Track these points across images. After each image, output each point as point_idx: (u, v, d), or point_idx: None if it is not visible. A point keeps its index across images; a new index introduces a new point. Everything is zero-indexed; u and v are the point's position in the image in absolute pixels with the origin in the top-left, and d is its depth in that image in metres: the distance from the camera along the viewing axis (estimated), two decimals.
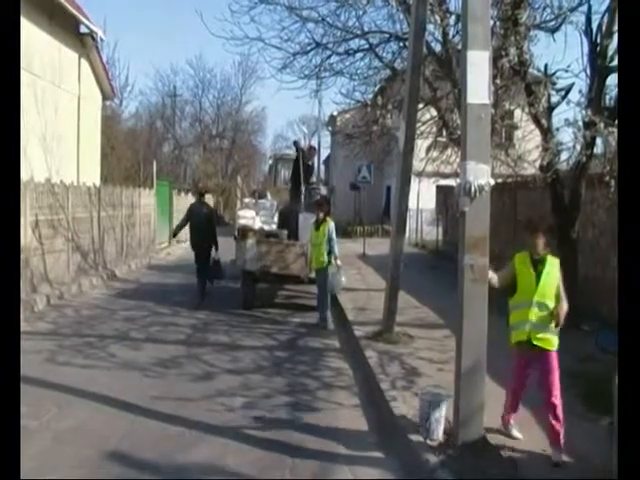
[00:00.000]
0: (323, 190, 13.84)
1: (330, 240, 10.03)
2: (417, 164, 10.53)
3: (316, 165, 25.38)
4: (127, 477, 4.72)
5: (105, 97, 21.71)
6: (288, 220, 12.31)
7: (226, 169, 47.85)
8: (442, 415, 5.26)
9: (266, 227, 12.07)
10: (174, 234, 14.34)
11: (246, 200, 13.57)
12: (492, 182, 4.99)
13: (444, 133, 11.87)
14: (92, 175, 19.26)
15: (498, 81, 8.69)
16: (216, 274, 12.00)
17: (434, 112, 12.06)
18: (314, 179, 13.84)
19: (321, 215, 10.31)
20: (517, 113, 10.76)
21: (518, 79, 9.06)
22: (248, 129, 51.43)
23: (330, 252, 10.14)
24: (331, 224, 10.16)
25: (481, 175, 4.98)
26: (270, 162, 18.42)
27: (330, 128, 35.66)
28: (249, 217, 11.86)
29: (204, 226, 11.84)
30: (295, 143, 13.83)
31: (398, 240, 8.93)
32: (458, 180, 5.07)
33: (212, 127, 50.75)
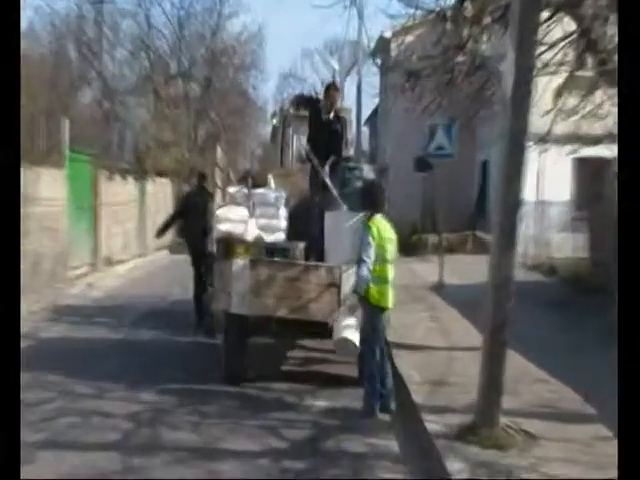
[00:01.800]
0: (367, 170, 10.37)
1: (360, 254, 8.00)
2: (538, 122, 8.46)
3: (354, 127, 18.52)
4: None
5: None
6: (306, 224, 9.80)
7: (195, 135, 36.54)
8: None
9: (268, 237, 9.50)
10: (158, 233, 12.80)
11: (232, 190, 10.35)
12: None
13: (589, 62, 9.45)
14: None
15: None
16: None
17: (570, 26, 9.51)
18: (350, 151, 11.33)
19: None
20: None
21: None
22: (234, 64, 38.63)
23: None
24: (365, 232, 7.97)
25: None
26: (274, 122, 13.68)
27: (379, 61, 26.63)
28: (237, 220, 9.20)
29: (202, 222, 11.62)
30: (298, 98, 11.09)
31: (504, 258, 7.07)
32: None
33: (170, 60, 37.87)
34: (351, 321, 8.12)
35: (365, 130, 34.38)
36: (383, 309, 8.10)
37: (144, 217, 22.87)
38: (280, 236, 9.63)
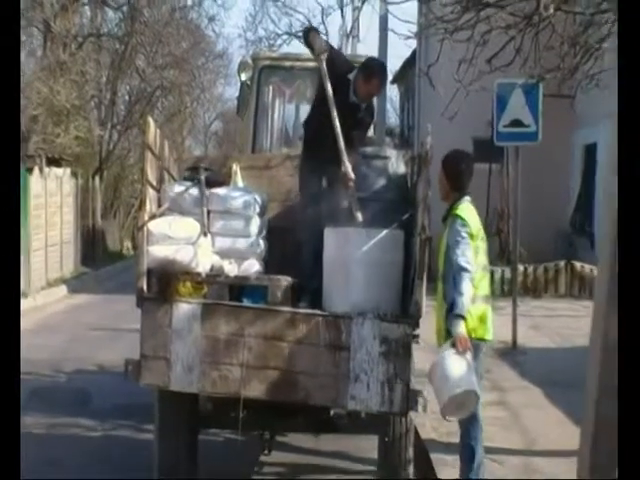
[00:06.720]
0: (395, 160, 7.16)
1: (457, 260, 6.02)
2: None
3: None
4: None
5: None
6: (295, 248, 6.99)
7: (113, 98, 26.11)
8: None
9: (232, 267, 6.65)
10: None
11: (173, 190, 7.21)
12: None
13: None
14: None
15: None
16: None
17: None
18: (370, 131, 8.18)
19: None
20: None
21: None
22: None
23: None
24: (457, 225, 6.01)
25: None
26: (243, 78, 9.91)
27: None
28: (181, 239, 6.36)
29: None
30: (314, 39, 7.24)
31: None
32: None
33: None
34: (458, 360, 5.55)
35: (394, 93, 24.13)
36: (485, 343, 6.12)
37: (26, 231, 16.12)
38: (252, 266, 6.76)
